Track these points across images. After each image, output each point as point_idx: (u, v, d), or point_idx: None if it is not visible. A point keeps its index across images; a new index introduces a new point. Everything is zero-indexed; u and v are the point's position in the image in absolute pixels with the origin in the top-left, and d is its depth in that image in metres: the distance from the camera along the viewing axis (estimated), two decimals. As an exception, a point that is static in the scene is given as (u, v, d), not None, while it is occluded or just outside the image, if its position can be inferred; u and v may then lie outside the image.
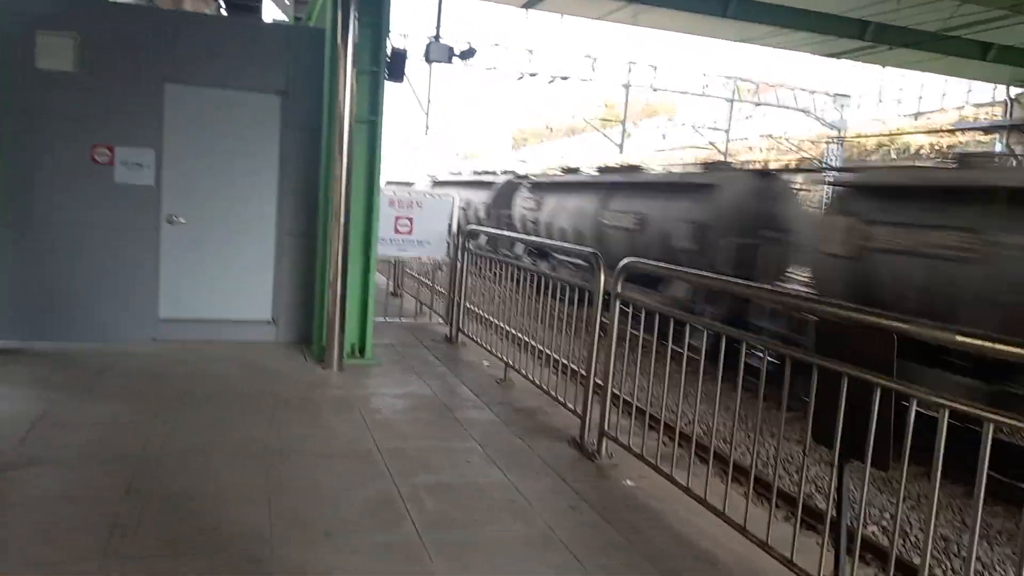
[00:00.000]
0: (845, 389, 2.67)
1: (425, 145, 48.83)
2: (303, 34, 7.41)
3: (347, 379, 5.75)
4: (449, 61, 6.44)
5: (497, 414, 5.11)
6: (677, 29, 19.68)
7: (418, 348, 7.06)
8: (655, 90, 29.36)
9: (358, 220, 6.31)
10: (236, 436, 4.35)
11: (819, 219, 9.42)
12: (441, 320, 8.21)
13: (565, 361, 5.23)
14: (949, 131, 28.30)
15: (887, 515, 6.59)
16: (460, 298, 7.37)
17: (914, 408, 2.42)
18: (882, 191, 8.77)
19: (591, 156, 39.16)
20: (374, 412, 4.99)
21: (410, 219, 7.65)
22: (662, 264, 4.44)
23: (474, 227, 8.30)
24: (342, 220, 5.92)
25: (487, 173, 26.79)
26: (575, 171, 19.71)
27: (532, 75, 27.04)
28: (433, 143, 49.89)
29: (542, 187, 19.07)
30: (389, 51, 6.28)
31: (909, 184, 8.62)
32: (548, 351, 5.58)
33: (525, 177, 22.45)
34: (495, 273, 7.05)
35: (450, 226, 7.85)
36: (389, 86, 6.47)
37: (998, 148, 23.49)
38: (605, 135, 35.66)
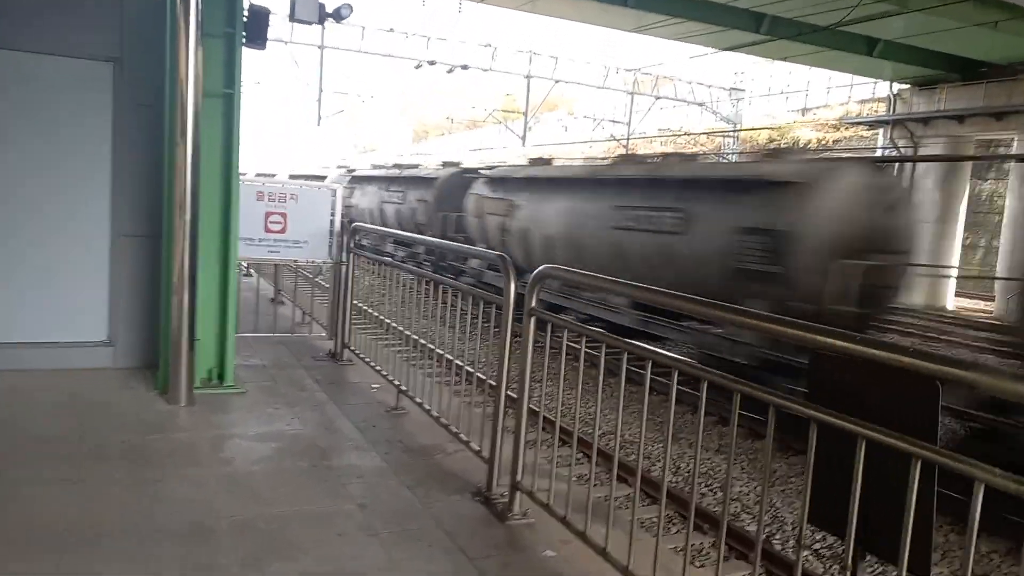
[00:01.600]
0: (863, 456, 1.89)
1: (318, 136, 46.67)
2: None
3: (197, 416, 4.61)
4: (320, 22, 5.39)
5: (384, 458, 4.11)
6: (576, 18, 19.14)
7: (295, 369, 5.94)
8: (556, 82, 28.76)
9: (212, 216, 5.18)
10: (14, 510, 3.21)
11: None
12: (325, 333, 7.12)
13: (481, 376, 4.27)
14: (835, 126, 29.26)
15: None
16: (346, 309, 6.31)
17: (981, 492, 1.65)
18: None
19: (497, 149, 38.40)
20: (224, 464, 3.90)
21: (283, 215, 6.50)
22: (585, 273, 3.58)
23: (364, 230, 7.22)
24: (188, 215, 4.78)
25: (409, 167, 23.20)
26: (547, 163, 16.15)
27: (431, 63, 25.87)
28: (327, 134, 47.77)
29: (509, 183, 14.58)
30: (247, 10, 5.16)
31: None
32: (455, 359, 4.58)
33: (475, 171, 18.79)
34: (387, 278, 6.02)
35: (332, 222, 6.77)
36: (257, 55, 5.36)
37: (881, 143, 24.30)
38: (508, 127, 34.96)
